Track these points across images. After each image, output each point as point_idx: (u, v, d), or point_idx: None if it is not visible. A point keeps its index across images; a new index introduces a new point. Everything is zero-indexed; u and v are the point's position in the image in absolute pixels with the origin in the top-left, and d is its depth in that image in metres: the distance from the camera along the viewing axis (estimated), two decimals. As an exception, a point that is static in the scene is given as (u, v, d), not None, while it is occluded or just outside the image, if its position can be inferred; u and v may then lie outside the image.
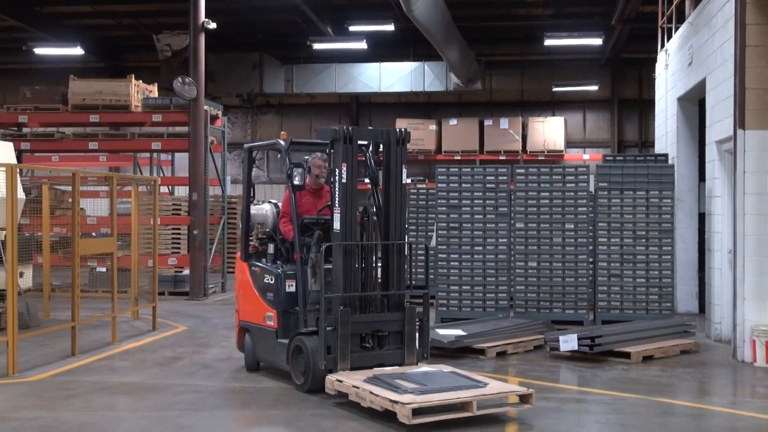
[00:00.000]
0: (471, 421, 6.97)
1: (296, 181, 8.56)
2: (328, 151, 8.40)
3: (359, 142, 8.20)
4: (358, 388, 7.23)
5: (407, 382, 7.26)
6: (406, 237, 8.42)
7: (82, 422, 7.11)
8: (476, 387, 7.22)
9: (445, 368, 7.99)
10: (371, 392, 7.07)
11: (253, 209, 9.47)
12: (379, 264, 8.12)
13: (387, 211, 8.16)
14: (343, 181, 7.90)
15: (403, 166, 8.15)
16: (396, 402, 6.76)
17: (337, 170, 7.93)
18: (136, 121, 17.62)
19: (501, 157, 24.98)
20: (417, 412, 6.71)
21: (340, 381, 7.45)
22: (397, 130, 8.21)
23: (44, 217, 12.98)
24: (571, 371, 9.51)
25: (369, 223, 8.16)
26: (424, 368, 7.88)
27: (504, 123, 25.49)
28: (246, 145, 9.64)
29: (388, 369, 7.75)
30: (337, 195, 7.94)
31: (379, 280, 8.14)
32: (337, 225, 7.93)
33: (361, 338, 7.92)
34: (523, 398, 7.33)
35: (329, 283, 8.02)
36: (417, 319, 8.11)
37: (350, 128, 8.00)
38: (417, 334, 8.11)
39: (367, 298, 8.01)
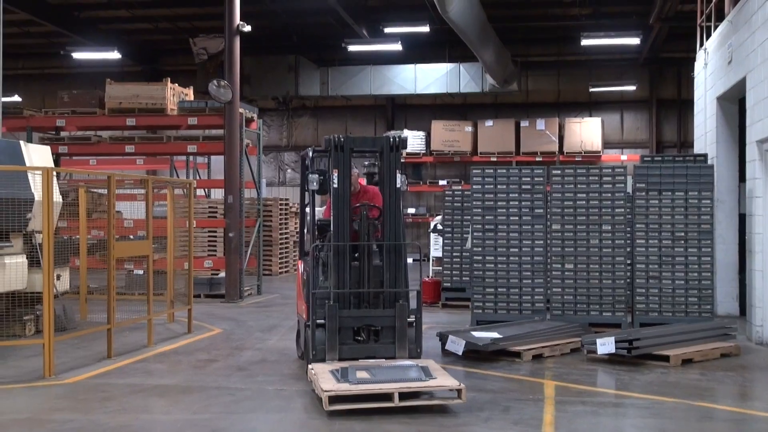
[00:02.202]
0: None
1: (313, 187, 8.89)
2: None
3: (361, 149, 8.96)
4: (316, 376, 7.80)
5: (365, 373, 7.76)
6: (404, 238, 8.80)
7: (117, 425, 7.13)
8: (419, 381, 7.58)
9: (434, 365, 8.23)
10: (319, 380, 7.62)
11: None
12: (377, 263, 8.63)
13: (385, 213, 8.70)
14: (335, 186, 8.55)
15: (397, 171, 8.62)
16: (323, 390, 7.33)
17: (332, 176, 8.56)
18: (172, 124, 17.71)
19: (537, 159, 24.86)
20: (340, 400, 7.31)
21: (312, 370, 8.04)
22: (390, 137, 8.70)
23: (81, 220, 13.07)
24: (608, 375, 9.39)
25: (362, 225, 8.71)
26: (405, 362, 8.24)
27: (540, 124, 25.37)
28: (302, 151, 9.93)
29: (370, 361, 8.25)
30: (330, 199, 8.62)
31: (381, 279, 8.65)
32: (331, 227, 8.60)
33: (355, 332, 8.49)
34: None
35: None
36: (411, 316, 8.53)
37: (341, 137, 8.64)
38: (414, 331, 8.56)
39: (361, 295, 8.58)
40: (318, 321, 8.49)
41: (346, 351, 8.43)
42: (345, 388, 7.40)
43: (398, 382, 7.53)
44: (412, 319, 8.55)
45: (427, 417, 7.31)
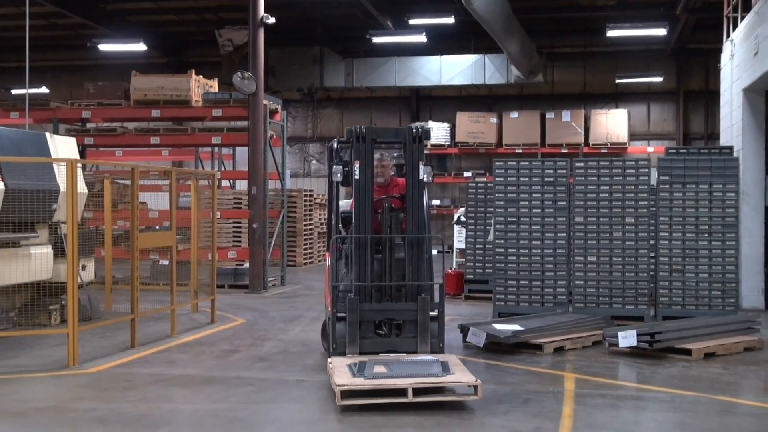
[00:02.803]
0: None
1: (336, 178, 8.79)
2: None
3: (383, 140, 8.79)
4: (333, 370, 7.74)
5: (382, 368, 7.67)
6: (428, 231, 8.67)
7: (138, 414, 7.21)
8: (436, 376, 7.46)
9: (455, 360, 8.09)
10: (334, 374, 7.56)
11: (342, 203, 9.73)
12: (400, 256, 8.51)
13: (408, 206, 8.56)
14: (356, 177, 8.46)
15: (420, 162, 8.47)
16: (336, 384, 7.28)
17: (353, 167, 8.47)
18: (197, 115, 17.82)
19: (563, 150, 24.79)
20: (354, 394, 7.25)
21: (330, 363, 7.99)
22: (413, 128, 8.55)
23: (106, 211, 13.17)
24: (629, 368, 9.37)
25: (384, 217, 8.65)
26: (425, 357, 8.11)
27: (566, 116, 25.29)
28: (329, 143, 9.83)
29: (391, 356, 8.14)
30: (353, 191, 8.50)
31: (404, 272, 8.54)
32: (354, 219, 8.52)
33: (377, 326, 8.38)
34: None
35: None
36: (433, 310, 8.39)
37: (363, 128, 8.53)
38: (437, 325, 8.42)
39: (383, 288, 8.46)
40: (339, 314, 8.39)
41: (366, 345, 8.33)
42: (358, 382, 7.34)
43: (414, 377, 7.42)
44: (435, 313, 8.41)
45: (446, 410, 7.33)
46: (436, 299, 8.57)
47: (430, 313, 8.35)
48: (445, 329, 8.51)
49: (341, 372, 7.62)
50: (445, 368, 7.66)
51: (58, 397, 7.91)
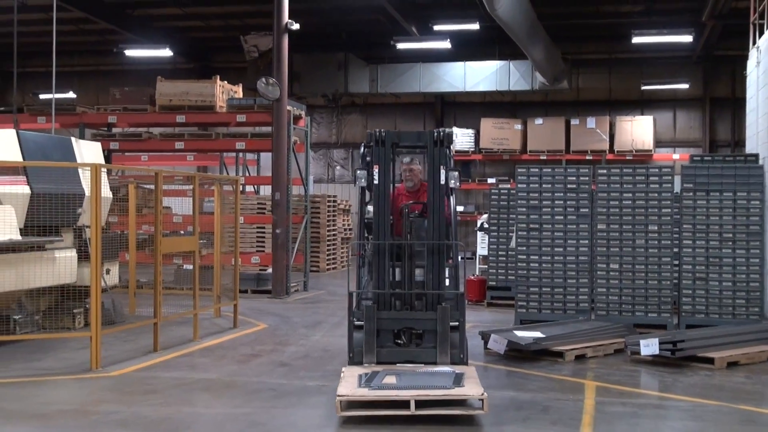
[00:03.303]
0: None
1: (361, 183, 8.59)
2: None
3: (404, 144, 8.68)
4: (342, 379, 7.62)
5: (392, 379, 7.51)
6: (455, 238, 8.51)
7: (159, 417, 7.28)
8: (443, 389, 7.20)
9: (472, 372, 7.82)
10: (340, 383, 7.46)
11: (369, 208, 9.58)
12: (420, 264, 8.35)
13: (429, 211, 8.38)
14: (375, 182, 8.34)
15: (442, 167, 8.29)
16: (337, 394, 7.17)
17: (373, 171, 8.35)
18: (221, 121, 17.94)
19: (588, 157, 24.72)
20: (357, 405, 7.16)
21: (342, 372, 7.89)
22: (435, 131, 8.37)
23: (130, 216, 13.32)
24: (651, 376, 9.34)
25: (405, 223, 8.51)
26: (442, 368, 7.90)
27: (591, 122, 25.23)
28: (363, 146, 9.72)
29: (407, 366, 7.98)
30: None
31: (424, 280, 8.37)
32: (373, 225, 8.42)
33: (396, 335, 8.23)
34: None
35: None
36: (454, 320, 8.18)
37: (383, 131, 8.43)
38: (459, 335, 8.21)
39: (403, 296, 8.29)
40: (357, 322, 8.25)
41: (384, 354, 8.15)
42: (360, 393, 7.17)
43: (420, 389, 7.18)
44: (456, 323, 8.19)
45: (456, 423, 7.33)
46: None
47: (451, 323, 8.14)
48: (466, 339, 8.29)
49: (349, 381, 7.51)
50: (457, 380, 7.45)
51: (81, 399, 8.00)
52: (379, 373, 7.67)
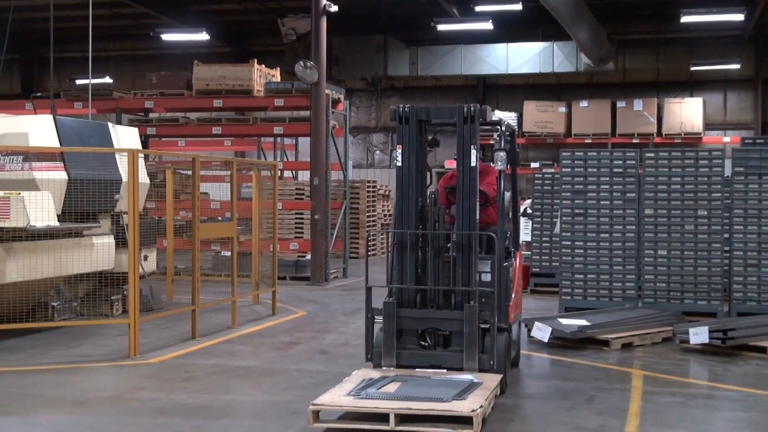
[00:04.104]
0: None
1: (398, 163, 7.90)
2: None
3: (436, 121, 8.06)
4: (343, 382, 7.10)
5: (395, 386, 6.93)
6: (502, 227, 7.98)
7: (198, 405, 7.35)
8: (438, 402, 6.44)
9: (490, 382, 7.10)
10: (330, 390, 6.83)
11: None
12: (450, 256, 7.66)
13: (458, 198, 7.70)
14: (398, 164, 7.72)
15: (472, 146, 7.57)
16: (313, 403, 6.48)
17: (396, 153, 7.77)
18: (259, 105, 18.01)
19: (634, 141, 24.49)
20: (347, 416, 6.50)
21: (347, 377, 7.32)
22: (465, 106, 7.66)
23: (168, 202, 13.41)
24: (700, 365, 9.26)
25: (430, 211, 7.72)
26: (459, 376, 7.23)
27: (638, 104, 24.98)
28: None
29: (428, 371, 7.40)
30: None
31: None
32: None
33: (421, 336, 7.67)
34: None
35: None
36: (482, 321, 7.50)
37: (407, 107, 7.77)
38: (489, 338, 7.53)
39: (428, 292, 7.68)
40: (376, 319, 7.71)
41: (405, 357, 7.56)
42: (342, 402, 6.52)
43: (411, 401, 6.46)
44: (487, 325, 7.49)
45: (506, 407, 7.32)
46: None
47: (482, 325, 7.47)
48: (511, 342, 7.79)
49: (344, 386, 6.94)
50: (464, 392, 6.71)
51: (119, 386, 8.11)
52: (385, 379, 7.13)
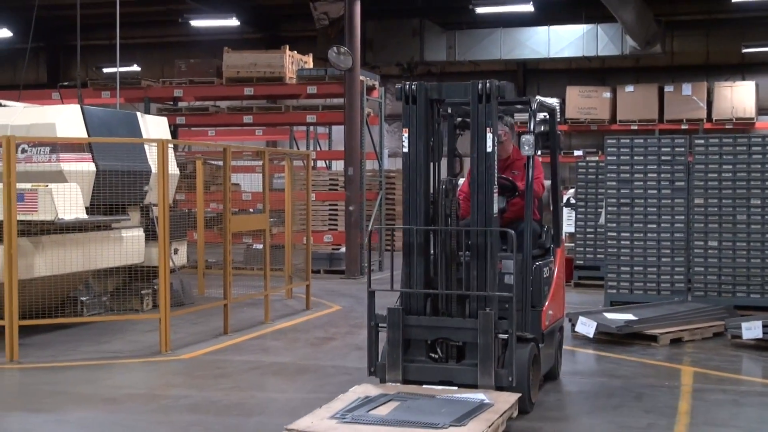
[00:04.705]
0: None
1: (405, 149, 7.15)
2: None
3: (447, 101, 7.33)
4: (334, 402, 6.59)
5: (388, 408, 6.35)
6: (529, 221, 7.26)
7: (231, 402, 7.41)
8: (432, 428, 5.88)
9: (503, 404, 6.41)
10: (313, 412, 6.33)
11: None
12: (463, 256, 7.02)
13: (473, 188, 6.97)
14: (405, 150, 7.01)
15: (488, 129, 6.80)
16: (286, 428, 6.02)
17: (402, 137, 7.07)
18: (291, 93, 18.06)
19: (683, 127, 24.27)
20: None
21: (341, 395, 6.76)
22: (479, 83, 6.84)
23: (198, 193, 13.51)
24: (754, 362, 9.19)
25: (440, 204, 7.07)
26: (469, 396, 6.55)
27: (687, 89, 24.73)
28: None
29: (436, 388, 6.77)
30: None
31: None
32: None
33: (431, 346, 7.01)
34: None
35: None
36: (500, 330, 6.79)
37: (414, 84, 7.03)
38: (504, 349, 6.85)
39: (437, 298, 7.04)
40: (381, 326, 7.12)
41: (413, 371, 6.91)
42: (320, 427, 5.96)
43: (402, 426, 5.94)
44: (506, 334, 6.78)
45: (549, 405, 7.31)
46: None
47: (501, 335, 6.77)
48: (517, 355, 6.79)
49: (332, 406, 6.40)
50: (466, 415, 6.09)
51: (150, 383, 8.19)
52: (382, 398, 6.55)
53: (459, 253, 7.05)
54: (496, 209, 6.89)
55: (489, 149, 6.82)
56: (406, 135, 7.00)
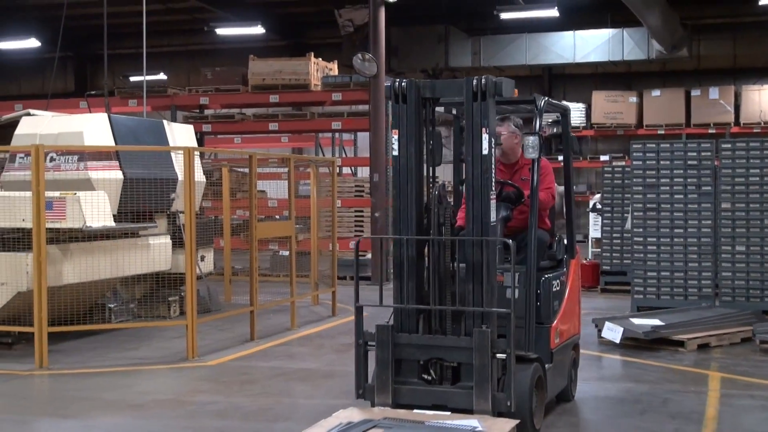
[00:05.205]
0: None
1: (395, 152, 6.62)
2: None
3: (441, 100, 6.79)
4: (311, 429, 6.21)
5: None
6: (534, 229, 6.78)
7: (258, 408, 7.46)
8: None
9: (504, 427, 5.95)
10: None
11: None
12: (457, 268, 6.46)
13: (467, 194, 6.46)
14: (395, 153, 6.47)
15: (484, 129, 6.23)
16: None
17: (392, 139, 6.53)
18: (316, 100, 18.14)
19: (710, 131, 24.11)
20: None
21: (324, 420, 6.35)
22: (474, 79, 6.29)
23: (224, 200, 13.61)
24: (782, 367, 9.14)
25: (433, 212, 6.48)
26: (466, 421, 6.01)
27: (714, 93, 24.58)
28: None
29: (424, 414, 6.24)
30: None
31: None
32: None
33: (424, 367, 6.42)
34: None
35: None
36: (498, 350, 6.17)
37: (404, 81, 6.49)
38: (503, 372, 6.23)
39: (432, 313, 6.50)
40: (370, 344, 6.60)
41: (404, 394, 6.37)
42: None
43: None
44: (504, 354, 6.14)
45: (572, 411, 7.31)
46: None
47: (499, 354, 6.15)
48: (516, 377, 6.19)
49: None
50: None
51: (177, 389, 8.27)
52: (366, 424, 6.05)
53: (454, 265, 6.50)
54: (493, 217, 6.33)
55: (485, 151, 6.26)
56: (395, 137, 6.48)
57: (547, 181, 7.17)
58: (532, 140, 6.62)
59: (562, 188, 7.79)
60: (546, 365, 6.68)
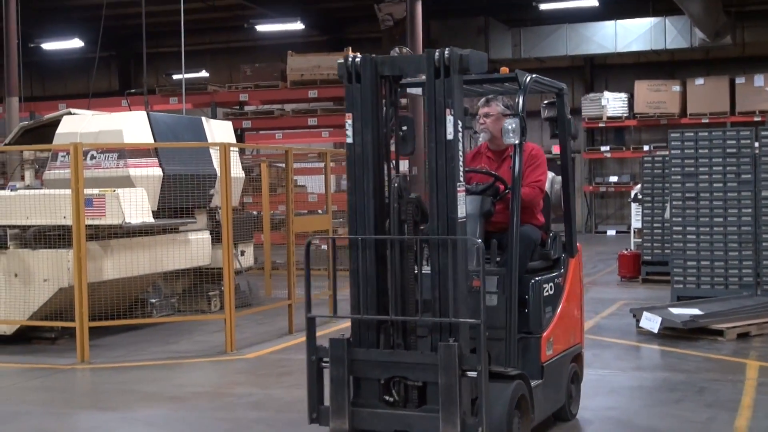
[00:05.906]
0: None
1: (349, 139, 5.63)
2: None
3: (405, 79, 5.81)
4: None
5: None
6: (517, 227, 5.88)
7: (293, 399, 7.55)
8: None
9: None
10: None
11: None
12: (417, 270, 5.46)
13: (431, 185, 5.42)
14: (349, 140, 5.54)
15: (448, 111, 5.27)
16: None
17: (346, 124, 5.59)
18: (355, 94, 18.19)
19: (755, 119, 23.82)
20: None
21: None
22: (436, 52, 5.33)
23: (264, 195, 13.72)
24: (822, 356, 9.05)
25: (392, 207, 5.48)
26: None
27: (759, 80, 24.30)
28: None
29: None
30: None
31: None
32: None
33: (386, 387, 5.48)
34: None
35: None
36: (468, 367, 5.19)
37: (358, 58, 5.56)
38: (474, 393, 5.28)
39: (392, 324, 5.49)
40: (323, 361, 5.66)
41: (363, 418, 5.47)
42: None
43: None
44: (474, 371, 5.15)
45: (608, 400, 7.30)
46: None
47: (469, 373, 5.18)
48: (489, 398, 5.18)
49: None
50: None
51: (215, 382, 8.40)
52: None
53: (417, 268, 5.48)
54: (461, 212, 5.34)
55: (450, 136, 5.28)
56: (349, 122, 5.52)
57: (536, 174, 6.38)
58: (511, 123, 5.86)
59: (560, 178, 6.91)
60: (533, 382, 5.82)
